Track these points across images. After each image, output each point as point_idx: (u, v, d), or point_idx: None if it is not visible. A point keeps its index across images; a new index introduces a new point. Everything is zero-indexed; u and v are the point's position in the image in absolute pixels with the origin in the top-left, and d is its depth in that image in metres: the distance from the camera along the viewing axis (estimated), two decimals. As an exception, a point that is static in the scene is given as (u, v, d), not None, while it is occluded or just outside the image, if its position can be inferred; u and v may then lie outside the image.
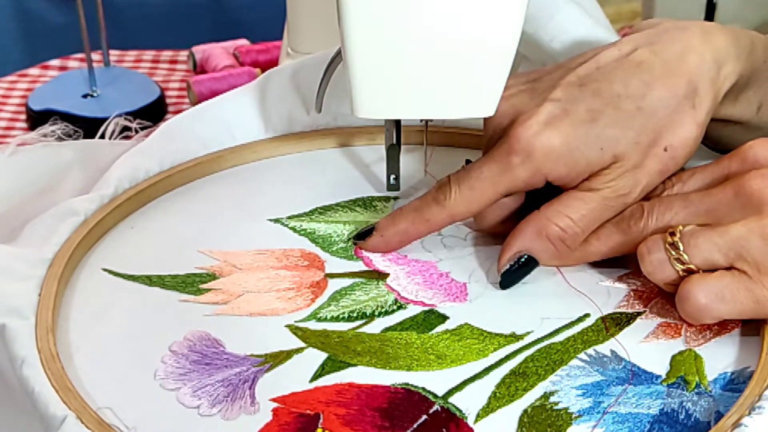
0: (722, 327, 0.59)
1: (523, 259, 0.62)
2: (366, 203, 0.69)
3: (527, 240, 0.61)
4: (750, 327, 0.59)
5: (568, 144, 0.60)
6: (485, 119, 0.64)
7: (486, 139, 0.65)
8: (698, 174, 0.62)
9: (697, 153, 0.70)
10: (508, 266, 0.62)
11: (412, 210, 0.64)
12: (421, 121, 0.69)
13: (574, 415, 0.54)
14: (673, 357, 0.57)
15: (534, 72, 0.65)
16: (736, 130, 0.67)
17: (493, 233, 0.65)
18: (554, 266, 0.63)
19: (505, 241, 0.62)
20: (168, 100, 0.96)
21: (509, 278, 0.62)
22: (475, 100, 0.62)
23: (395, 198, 0.70)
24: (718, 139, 0.69)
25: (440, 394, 0.55)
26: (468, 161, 0.65)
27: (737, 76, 0.63)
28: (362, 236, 0.65)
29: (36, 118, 0.91)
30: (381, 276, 0.63)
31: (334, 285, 0.62)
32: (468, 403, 0.54)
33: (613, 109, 0.61)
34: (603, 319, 0.60)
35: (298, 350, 0.58)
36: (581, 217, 0.61)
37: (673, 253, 0.58)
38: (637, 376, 0.56)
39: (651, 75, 0.62)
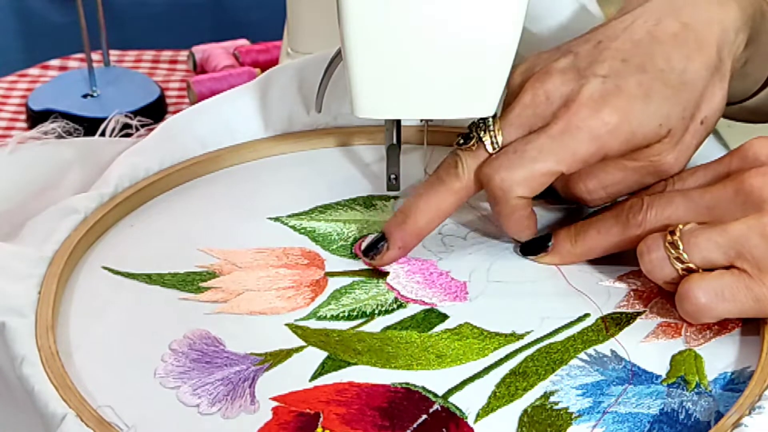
0: (722, 327, 0.59)
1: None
2: (366, 202, 0.69)
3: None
4: (750, 326, 0.59)
5: (628, 121, 0.60)
6: (522, 100, 0.62)
7: (539, 119, 0.61)
8: (699, 172, 0.62)
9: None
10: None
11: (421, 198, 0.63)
12: (421, 121, 0.69)
13: (574, 415, 0.54)
14: (673, 357, 0.57)
15: (557, 51, 0.64)
16: None
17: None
18: (555, 265, 0.63)
19: None
20: (168, 100, 0.96)
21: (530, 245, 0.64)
22: (475, 100, 0.62)
23: (395, 197, 0.70)
24: None
25: (440, 393, 0.55)
26: None
27: (745, 43, 0.64)
28: (371, 249, 0.63)
29: (36, 118, 0.91)
30: (381, 275, 0.63)
31: (334, 284, 0.62)
32: (468, 402, 0.54)
33: (662, 85, 0.61)
34: (603, 318, 0.60)
35: (298, 349, 0.58)
36: (614, 182, 0.62)
37: (673, 251, 0.58)
38: (637, 376, 0.56)
39: (688, 47, 0.62)
